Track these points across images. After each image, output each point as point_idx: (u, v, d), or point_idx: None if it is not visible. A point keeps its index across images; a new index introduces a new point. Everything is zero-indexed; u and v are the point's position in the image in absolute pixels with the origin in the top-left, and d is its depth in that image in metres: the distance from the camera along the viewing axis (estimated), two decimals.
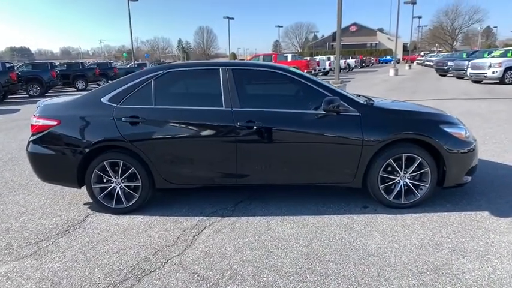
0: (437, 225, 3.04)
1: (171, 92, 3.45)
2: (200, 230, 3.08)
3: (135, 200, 3.38)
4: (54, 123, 3.31)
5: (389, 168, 3.31)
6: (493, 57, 16.57)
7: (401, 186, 3.33)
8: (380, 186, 3.31)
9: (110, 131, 3.25)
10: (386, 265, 2.48)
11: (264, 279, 2.37)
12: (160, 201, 3.68)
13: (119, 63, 42.39)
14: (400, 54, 69.91)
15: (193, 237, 2.96)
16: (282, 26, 64.57)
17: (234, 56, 63.50)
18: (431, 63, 31.52)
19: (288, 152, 3.27)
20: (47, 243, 2.91)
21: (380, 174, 3.28)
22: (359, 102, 3.34)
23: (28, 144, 3.48)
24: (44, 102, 3.65)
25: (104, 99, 3.34)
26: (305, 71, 17.97)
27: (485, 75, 15.63)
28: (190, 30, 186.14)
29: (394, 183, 3.34)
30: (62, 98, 3.77)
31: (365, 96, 3.97)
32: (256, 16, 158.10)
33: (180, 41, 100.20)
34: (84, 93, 3.73)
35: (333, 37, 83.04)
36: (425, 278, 2.33)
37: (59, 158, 3.35)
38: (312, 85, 3.36)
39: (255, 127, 3.20)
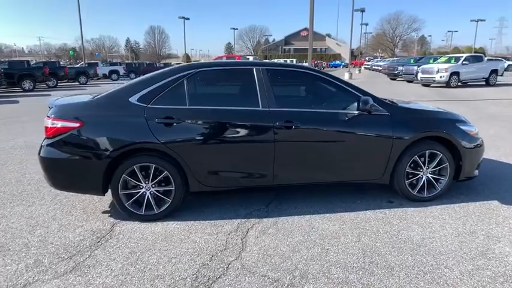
0: (462, 215, 3.30)
1: (204, 92, 3.34)
2: (245, 232, 3.02)
3: (167, 205, 3.22)
4: (76, 125, 3.03)
5: (412, 165, 3.53)
6: (439, 63, 18.24)
7: (424, 181, 3.56)
8: (406, 182, 3.51)
9: (142, 132, 3.06)
10: (438, 254, 2.65)
11: (335, 275, 2.40)
12: (188, 206, 3.53)
13: (61, 63, 39.43)
14: (347, 59, 74.06)
15: (241, 240, 2.90)
16: (237, 29, 64.92)
17: (187, 57, 62.24)
18: (380, 68, 33.74)
19: (323, 151, 3.34)
20: (82, 257, 2.65)
21: (406, 170, 3.48)
22: (387, 102, 3.51)
23: (41, 148, 3.15)
24: (55, 102, 3.32)
25: (133, 99, 3.13)
26: None
27: (434, 79, 17.15)
28: (138, 29, 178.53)
29: (417, 178, 3.56)
30: (75, 97, 3.46)
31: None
32: (208, 18, 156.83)
33: (128, 41, 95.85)
34: (89, 92, 3.46)
35: (285, 41, 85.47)
36: (477, 262, 2.53)
37: (81, 163, 3.07)
38: (342, 85, 3.47)
39: (293, 127, 3.22)
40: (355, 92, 3.42)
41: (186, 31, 44.35)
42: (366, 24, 47.46)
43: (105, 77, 29.61)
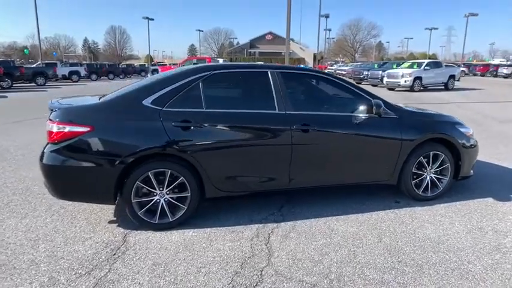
0: (465, 212, 3.49)
1: (220, 95, 3.26)
2: (266, 237, 2.97)
3: (182, 212, 3.08)
4: (86, 129, 2.82)
5: (417, 165, 3.67)
6: (403, 68, 19.27)
7: (428, 181, 3.72)
8: (412, 182, 3.65)
9: (158, 137, 2.91)
10: (457, 250, 2.78)
11: (370, 276, 2.43)
12: (201, 213, 3.41)
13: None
14: (311, 63, 75.92)
15: (266, 245, 2.85)
16: (202, 31, 64.24)
17: (150, 58, 60.46)
18: (344, 72, 34.89)
19: (338, 153, 3.38)
20: (102, 272, 2.46)
21: (412, 170, 3.62)
22: (394, 105, 3.63)
23: (43, 155, 2.89)
24: (56, 103, 3.07)
25: (146, 102, 2.98)
26: None
27: (399, 83, 18.07)
28: (96, 29, 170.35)
29: (421, 178, 3.71)
30: (78, 99, 3.23)
31: None
32: (171, 19, 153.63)
33: (86, 40, 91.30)
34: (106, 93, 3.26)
35: (251, 44, 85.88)
36: (495, 257, 2.68)
37: (91, 171, 2.86)
38: (353, 88, 3.54)
39: (310, 130, 3.22)
40: (366, 96, 3.51)
41: (146, 33, 42.95)
42: (329, 30, 49.04)
43: (64, 78, 27.97)
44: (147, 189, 3.00)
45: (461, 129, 3.79)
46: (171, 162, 2.99)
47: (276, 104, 3.22)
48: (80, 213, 3.42)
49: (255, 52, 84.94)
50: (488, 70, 39.78)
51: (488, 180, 4.40)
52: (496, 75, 36.95)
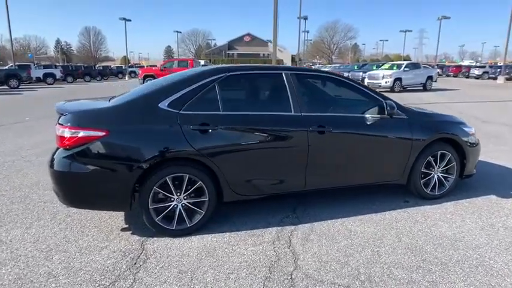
0: (473, 209, 3.60)
1: (235, 97, 3.21)
2: (288, 240, 2.95)
3: (200, 217, 3.01)
4: (101, 133, 2.70)
5: (425, 165, 3.75)
6: (383, 69, 19.78)
7: (435, 180, 3.81)
8: (421, 181, 3.73)
9: (176, 140, 2.83)
10: (475, 247, 2.85)
11: (399, 276, 2.45)
12: (215, 218, 3.33)
13: None
14: (289, 65, 76.76)
15: (289, 248, 2.82)
16: (180, 32, 63.35)
17: (126, 60, 59.08)
18: None
19: (352, 154, 3.41)
20: (127, 283, 2.36)
21: (421, 170, 3.70)
22: (404, 106, 3.70)
23: (53, 161, 2.75)
24: (68, 107, 2.94)
25: (163, 105, 2.89)
26: None
27: (380, 84, 18.52)
28: (70, 30, 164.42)
29: (429, 177, 3.80)
30: (87, 102, 3.09)
31: None
32: (147, 20, 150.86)
33: (58, 41, 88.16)
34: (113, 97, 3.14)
35: (229, 46, 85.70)
36: None
37: (107, 177, 2.74)
38: (365, 89, 3.58)
39: (325, 132, 3.23)
40: (378, 97, 3.55)
41: (123, 34, 42.10)
42: (307, 32, 49.73)
43: (39, 80, 26.89)
44: (164, 194, 2.91)
45: (465, 129, 3.91)
46: (190, 166, 2.91)
47: (291, 106, 3.20)
48: (88, 221, 3.27)
49: (233, 54, 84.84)
50: (460, 71, 41.53)
51: (488, 178, 4.55)
52: (468, 76, 38.61)
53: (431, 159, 3.73)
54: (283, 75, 3.29)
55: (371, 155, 3.48)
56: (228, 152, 2.99)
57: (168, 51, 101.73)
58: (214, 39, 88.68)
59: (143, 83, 20.85)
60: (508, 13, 26.80)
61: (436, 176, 3.81)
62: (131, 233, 3.05)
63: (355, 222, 3.29)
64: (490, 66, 38.23)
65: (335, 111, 3.47)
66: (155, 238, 2.95)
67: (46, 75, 27.18)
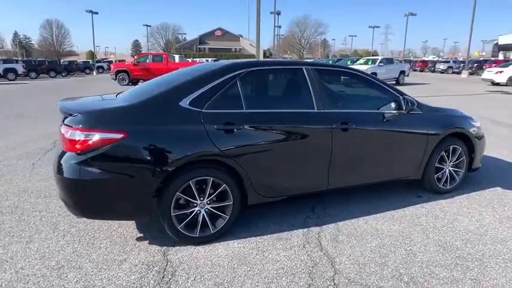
0: (486, 202, 3.66)
1: (257, 94, 3.04)
2: (317, 243, 2.83)
3: (224, 222, 2.83)
4: (119, 136, 2.43)
5: (438, 160, 3.76)
6: (359, 64, 20.15)
7: (447, 174, 3.84)
8: (435, 176, 3.74)
9: (201, 141, 2.62)
10: (501, 241, 2.88)
11: (441, 275, 2.41)
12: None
13: None
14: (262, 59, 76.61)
15: (322, 251, 2.71)
16: (150, 25, 61.42)
17: (92, 54, 56.38)
18: None
19: (373, 151, 3.34)
20: None
21: (435, 165, 3.71)
22: (419, 102, 3.68)
23: (62, 167, 2.46)
24: (76, 106, 2.64)
25: (184, 103, 2.66)
26: None
27: None
28: (28, 23, 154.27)
29: (442, 172, 3.82)
30: (92, 100, 2.80)
31: None
32: (114, 13, 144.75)
33: (16, 35, 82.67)
34: (123, 93, 2.86)
35: (200, 40, 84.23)
36: None
37: (126, 183, 2.49)
38: (382, 85, 3.52)
39: (348, 129, 3.13)
40: (396, 93, 3.50)
41: (89, 26, 40.10)
42: (279, 27, 49.87)
43: None
44: (187, 199, 2.69)
45: (472, 123, 3.97)
46: (214, 168, 2.71)
47: (314, 103, 3.08)
48: (96, 231, 2.99)
49: (204, 48, 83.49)
50: (426, 66, 43.36)
51: (488, 170, 4.67)
52: (433, 71, 40.39)
53: (444, 154, 3.75)
54: (304, 70, 3.14)
55: (390, 152, 3.43)
56: (253, 153, 2.82)
57: (136, 46, 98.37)
58: (185, 34, 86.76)
59: (115, 78, 19.98)
60: (469, 12, 28.13)
61: (447, 170, 3.84)
62: (148, 243, 2.81)
63: (379, 220, 3.23)
64: (454, 61, 40.22)
65: (355, 107, 3.39)
66: (176, 247, 2.74)
67: (7, 70, 25.37)
